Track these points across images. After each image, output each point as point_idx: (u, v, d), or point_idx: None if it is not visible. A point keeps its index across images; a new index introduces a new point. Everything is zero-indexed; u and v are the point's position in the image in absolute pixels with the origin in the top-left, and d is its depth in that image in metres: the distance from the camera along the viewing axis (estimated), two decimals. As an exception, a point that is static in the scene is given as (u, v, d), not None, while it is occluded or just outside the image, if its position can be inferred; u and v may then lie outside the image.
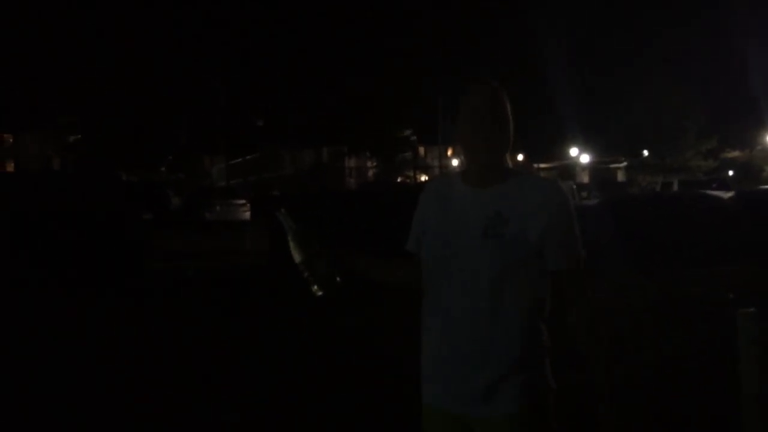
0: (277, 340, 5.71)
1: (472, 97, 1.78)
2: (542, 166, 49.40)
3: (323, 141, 49.62)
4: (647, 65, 41.80)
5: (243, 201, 25.14)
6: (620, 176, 48.83)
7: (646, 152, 42.26)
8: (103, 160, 42.94)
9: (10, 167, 46.62)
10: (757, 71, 37.80)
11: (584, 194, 36.10)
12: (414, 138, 46.97)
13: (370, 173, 50.99)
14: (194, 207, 25.36)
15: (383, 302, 5.64)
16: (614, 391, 1.61)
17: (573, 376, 2.49)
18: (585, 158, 49.34)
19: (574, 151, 48.95)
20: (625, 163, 48.33)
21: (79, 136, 49.80)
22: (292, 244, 1.86)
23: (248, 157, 53.15)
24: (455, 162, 45.48)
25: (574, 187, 30.95)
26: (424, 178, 45.39)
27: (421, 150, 52.50)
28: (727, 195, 14.45)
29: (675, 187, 30.25)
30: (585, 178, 47.67)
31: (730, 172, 39.69)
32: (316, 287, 1.85)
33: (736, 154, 44.57)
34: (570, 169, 49.91)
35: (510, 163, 1.84)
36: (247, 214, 23.93)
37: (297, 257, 1.85)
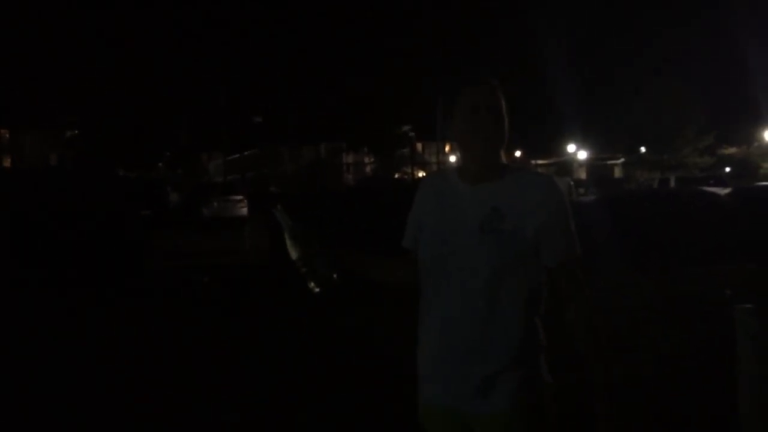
0: (277, 340, 5.70)
1: (469, 95, 1.78)
2: (540, 162, 49.44)
3: (321, 137, 49.68)
4: (646, 63, 41.90)
5: (240, 197, 25.16)
6: (617, 173, 48.94)
7: (643, 149, 42.34)
8: (101, 157, 42.92)
9: (7, 163, 46.54)
10: (754, 69, 37.91)
11: (581, 190, 36.18)
12: (412, 134, 47.02)
13: (368, 169, 51.06)
14: (192, 204, 25.38)
15: (383, 302, 5.66)
16: (613, 389, 1.62)
17: (572, 374, 2.50)
18: (582, 155, 49.45)
19: (571, 148, 49.05)
20: (622, 160, 48.44)
21: (77, 132, 49.74)
22: (289, 242, 1.86)
23: (246, 153, 53.13)
24: (453, 158, 45.32)
25: (572, 183, 31.00)
26: (421, 174, 45.42)
27: (419, 146, 52.56)
28: (724, 191, 14.49)
29: (672, 183, 30.25)
30: (582, 175, 47.76)
31: (727, 169, 39.78)
32: (313, 284, 1.85)
33: (733, 150, 44.69)
34: (567, 165, 50.01)
35: (505, 160, 1.84)
36: (244, 210, 23.97)
37: (294, 254, 1.86)
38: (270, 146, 51.26)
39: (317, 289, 1.85)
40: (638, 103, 39.55)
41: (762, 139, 40.34)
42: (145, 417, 4.03)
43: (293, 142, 48.88)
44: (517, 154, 40.34)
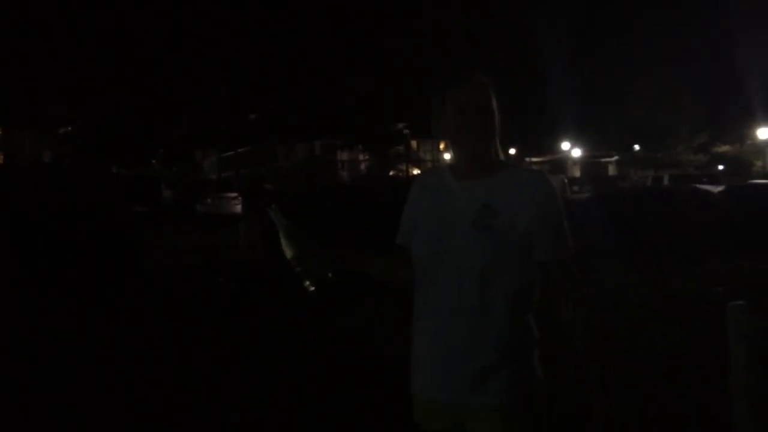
0: (277, 340, 5.71)
1: (458, 93, 1.79)
2: (534, 159, 49.54)
3: (316, 135, 49.60)
4: (641, 62, 42.07)
5: (234, 194, 25.08)
6: (611, 170, 49.06)
7: (637, 147, 42.49)
8: (95, 153, 42.69)
9: (0, 160, 46.23)
10: (748, 68, 38.06)
11: (575, 188, 36.27)
12: (407, 131, 47.01)
13: (363, 167, 51.04)
14: (186, 201, 25.27)
15: (383, 302, 5.67)
16: (610, 388, 1.63)
17: (568, 372, 2.52)
18: (577, 152, 49.56)
19: (565, 146, 49.15)
20: (616, 158, 48.57)
21: (70, 128, 49.44)
22: (283, 241, 1.87)
23: (240, 150, 53.03)
24: (448, 156, 45.45)
25: (566, 181, 31.07)
26: (416, 171, 45.43)
27: (414, 143, 52.53)
28: (718, 189, 14.57)
29: (666, 181, 30.36)
30: (576, 173, 47.85)
31: (720, 167, 39.92)
32: (308, 283, 1.86)
33: (726, 148, 44.82)
34: (562, 163, 50.10)
35: (502, 156, 1.86)
36: (239, 208, 23.93)
37: (289, 253, 1.87)
38: (264, 143, 51.17)
39: (312, 288, 1.86)
40: (633, 102, 39.69)
41: (755, 137, 40.47)
42: (145, 417, 4.03)
43: (288, 139, 48.80)
44: (512, 151, 40.40)
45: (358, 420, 3.91)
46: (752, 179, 26.79)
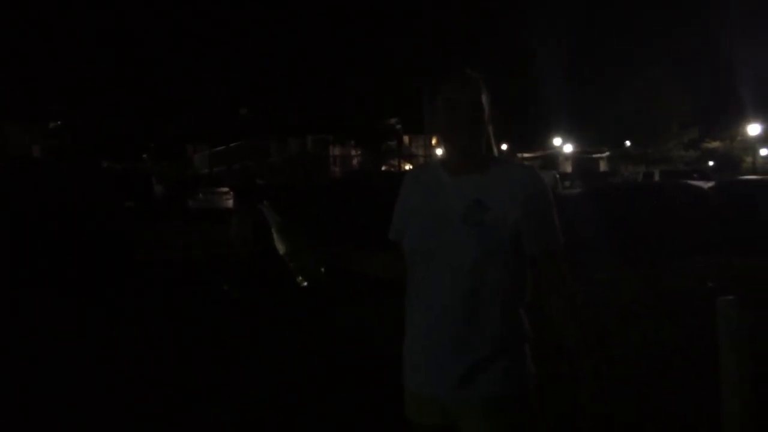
0: (277, 340, 5.71)
1: (448, 89, 1.80)
2: (526, 155, 49.63)
3: (308, 130, 49.45)
4: (633, 58, 42.20)
5: (226, 189, 24.96)
6: (603, 166, 49.22)
7: (628, 143, 42.65)
8: (85, 148, 42.37)
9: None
10: (738, 64, 38.24)
11: (567, 183, 36.37)
12: (399, 127, 46.94)
13: (355, 162, 50.95)
14: (178, 196, 25.12)
15: (383, 301, 5.67)
16: (601, 383, 1.65)
17: (558, 366, 2.54)
18: (568, 148, 49.67)
19: (557, 141, 49.27)
20: (607, 153, 48.72)
21: (60, 123, 49.04)
22: (276, 237, 1.88)
23: (232, 145, 52.80)
24: (440, 151, 45.36)
25: (557, 176, 31.18)
26: (408, 167, 45.38)
27: (406, 139, 52.45)
28: (708, 185, 14.66)
29: (656, 177, 30.50)
30: (568, 168, 47.98)
31: (710, 163, 40.14)
32: (300, 279, 1.88)
33: (716, 144, 45.04)
34: (553, 158, 50.20)
35: (495, 151, 1.87)
36: (230, 203, 23.84)
37: (281, 249, 1.88)
38: (256, 138, 50.96)
39: (305, 284, 1.88)
40: (624, 98, 39.82)
41: (744, 133, 40.71)
42: (145, 417, 4.03)
43: (280, 134, 48.65)
44: (504, 147, 40.46)
45: (358, 420, 3.92)
46: (742, 175, 26.98)
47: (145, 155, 55.94)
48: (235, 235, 13.11)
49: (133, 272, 8.74)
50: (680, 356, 4.92)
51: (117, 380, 4.63)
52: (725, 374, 2.90)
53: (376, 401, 4.02)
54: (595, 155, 50.91)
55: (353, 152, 52.40)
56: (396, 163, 47.67)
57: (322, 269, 1.88)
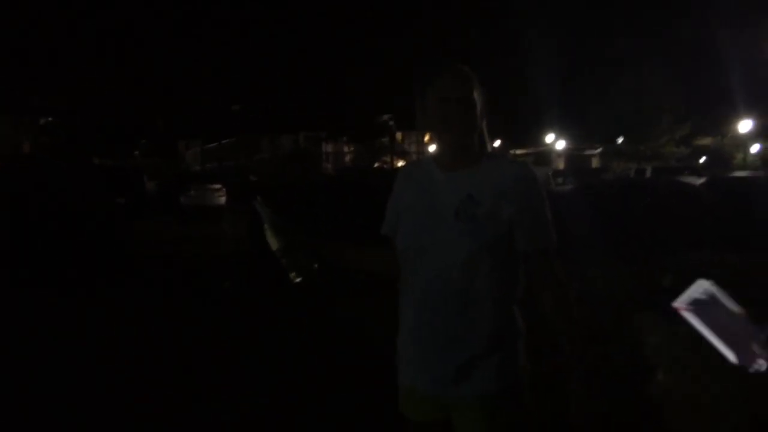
0: (277, 340, 5.70)
1: (438, 85, 1.80)
2: (518, 152, 49.71)
3: (301, 126, 49.38)
4: (624, 55, 42.25)
5: (218, 186, 24.88)
6: (595, 163, 49.33)
7: (620, 139, 42.79)
8: (76, 144, 42.07)
9: (-21, 151, 45.34)
10: (729, 60, 38.38)
11: (559, 180, 36.43)
12: (391, 123, 46.89)
13: (348, 158, 50.91)
14: (170, 192, 25.00)
15: (383, 301, 5.69)
16: (591, 379, 1.67)
17: (555, 365, 2.55)
18: (560, 145, 49.76)
19: (549, 138, 49.35)
20: (600, 150, 48.84)
21: (50, 119, 48.65)
22: (269, 233, 1.89)
23: (224, 141, 52.64)
24: (432, 148, 45.29)
25: (550, 173, 31.26)
26: (401, 163, 45.39)
27: (399, 135, 52.44)
28: (700, 181, 14.76)
29: (648, 173, 30.61)
30: (560, 165, 48.08)
31: (702, 159, 40.31)
32: (293, 274, 1.89)
33: (708, 141, 45.23)
34: (546, 155, 50.29)
35: (489, 146, 1.88)
36: (223, 199, 23.78)
37: (274, 245, 1.89)
38: (248, 135, 50.83)
39: (298, 279, 1.89)
40: (616, 94, 39.93)
41: (736, 130, 40.91)
42: (145, 417, 4.02)
43: (272, 131, 48.56)
44: (496, 143, 40.52)
45: (358, 420, 3.93)
46: (733, 171, 27.15)
47: (136, 152, 55.66)
48: (227, 233, 13.10)
49: (124, 268, 8.69)
50: (675, 354, 4.94)
51: (117, 380, 4.62)
52: (720, 371, 2.94)
53: (376, 401, 4.02)
54: (587, 152, 51.02)
55: (346, 149, 52.38)
56: (389, 159, 47.66)
57: (315, 265, 1.89)
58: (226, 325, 6.32)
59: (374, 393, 4.13)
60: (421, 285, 1.79)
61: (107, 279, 7.94)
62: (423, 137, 49.00)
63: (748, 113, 38.20)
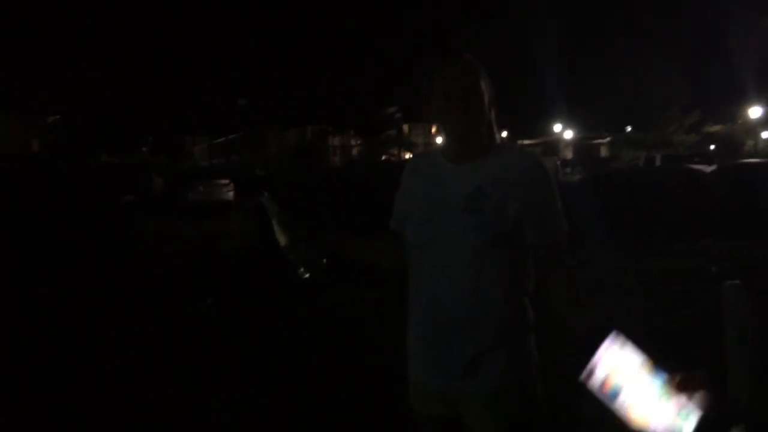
0: (277, 340, 5.68)
1: (443, 76, 1.76)
2: (526, 142, 49.61)
3: (308, 120, 49.47)
4: (632, 42, 42.01)
5: (227, 181, 24.92)
6: (603, 152, 49.15)
7: (629, 128, 42.56)
8: (84, 142, 42.36)
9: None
10: (738, 47, 38.11)
11: (568, 170, 36.39)
12: (398, 116, 46.90)
13: (355, 152, 50.95)
14: (177, 189, 25.06)
15: (383, 301, 5.64)
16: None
17: (565, 357, 2.51)
18: (569, 134, 49.58)
19: (557, 127, 49.17)
20: (608, 139, 48.61)
21: (58, 117, 49.00)
22: (276, 228, 1.87)
23: (231, 136, 52.81)
24: (440, 140, 45.31)
25: (558, 163, 31.20)
26: (408, 155, 45.38)
27: (406, 127, 52.40)
28: (710, 169, 14.63)
29: (658, 161, 30.43)
30: (569, 154, 47.95)
31: (712, 146, 40.06)
32: (302, 270, 1.86)
33: (717, 128, 44.91)
34: (554, 145, 50.16)
35: (498, 137, 1.83)
36: (231, 195, 23.84)
37: (282, 241, 1.86)
38: (255, 130, 50.97)
39: (306, 275, 1.87)
40: (624, 82, 39.67)
41: (745, 116, 40.61)
42: (145, 417, 4.02)
43: (279, 125, 48.72)
44: (504, 134, 40.44)
45: (358, 420, 3.91)
46: (743, 158, 26.92)
47: (144, 148, 55.96)
48: (235, 229, 13.14)
49: (124, 268, 8.71)
50: (686, 341, 4.88)
51: (117, 380, 4.62)
52: (730, 358, 2.88)
53: (376, 401, 4.02)
54: (596, 141, 50.84)
55: (353, 142, 52.41)
56: (396, 152, 47.64)
57: (324, 260, 1.85)
58: (226, 325, 6.31)
59: (374, 393, 4.13)
60: (429, 278, 1.76)
61: (107, 279, 7.95)
62: (430, 129, 48.98)
63: (758, 100, 37.92)
